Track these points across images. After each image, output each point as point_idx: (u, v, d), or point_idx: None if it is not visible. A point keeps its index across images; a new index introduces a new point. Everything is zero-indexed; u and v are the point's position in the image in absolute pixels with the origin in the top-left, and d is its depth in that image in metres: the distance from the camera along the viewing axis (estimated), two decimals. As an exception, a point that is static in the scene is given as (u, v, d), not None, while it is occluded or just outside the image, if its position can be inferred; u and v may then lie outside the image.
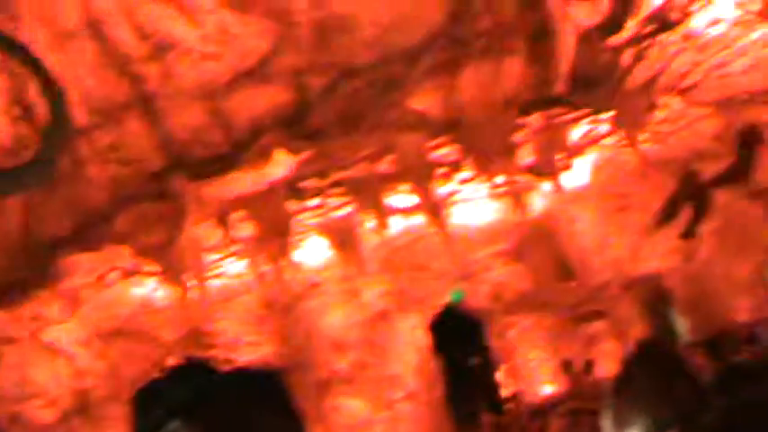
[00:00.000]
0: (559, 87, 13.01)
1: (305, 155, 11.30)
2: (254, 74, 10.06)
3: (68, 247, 12.03)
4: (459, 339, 24.60)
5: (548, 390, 20.61)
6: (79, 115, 10.51)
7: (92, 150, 10.83)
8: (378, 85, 10.71)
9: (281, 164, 11.19)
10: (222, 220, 13.87)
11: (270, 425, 24.07)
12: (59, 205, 11.39)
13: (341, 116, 10.72)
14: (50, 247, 12.20)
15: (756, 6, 13.51)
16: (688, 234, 21.14)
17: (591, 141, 18.03)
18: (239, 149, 10.68)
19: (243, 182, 11.25)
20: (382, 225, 16.11)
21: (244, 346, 20.53)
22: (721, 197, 20.61)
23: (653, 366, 9.46)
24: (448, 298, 22.20)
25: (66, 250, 12.00)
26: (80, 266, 12.71)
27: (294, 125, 10.64)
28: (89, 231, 11.62)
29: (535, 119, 15.61)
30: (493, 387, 22.65)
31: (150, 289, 17.05)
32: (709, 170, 20.39)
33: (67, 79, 9.59)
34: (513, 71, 11.94)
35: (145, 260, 13.96)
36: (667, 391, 9.33)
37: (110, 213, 11.41)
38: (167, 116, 10.08)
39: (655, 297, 22.52)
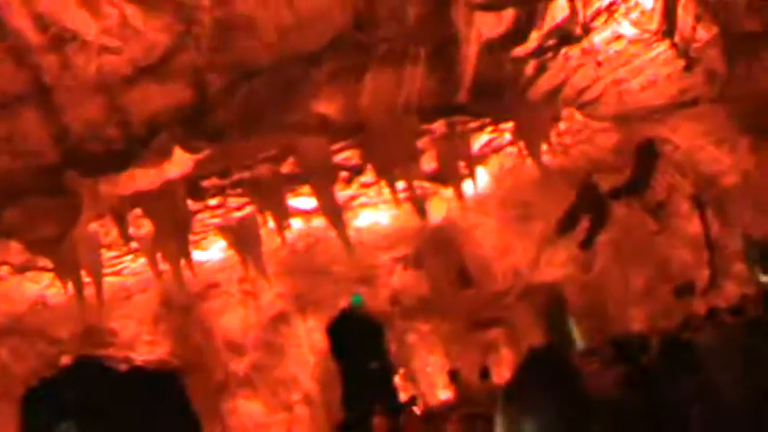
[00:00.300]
0: (462, 96, 13.10)
1: (204, 153, 11.17)
2: (155, 70, 9.92)
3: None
4: (359, 343, 24.63)
5: (443, 395, 20.70)
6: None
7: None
8: (278, 87, 10.65)
9: (180, 162, 11.06)
10: (119, 216, 13.67)
11: (166, 425, 23.81)
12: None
13: (241, 116, 10.63)
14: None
15: (654, 26, 13.82)
16: (586, 244, 21.48)
17: (493, 150, 18.23)
18: (137, 146, 10.52)
19: (140, 179, 11.09)
20: (283, 227, 16.03)
21: (141, 344, 20.27)
22: (619, 209, 21.00)
23: (544, 373, 9.60)
24: (347, 302, 22.23)
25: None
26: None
27: (193, 124, 10.52)
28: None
29: (438, 126, 15.74)
30: (390, 391, 22.66)
31: (43, 285, 16.73)
32: (608, 182, 20.75)
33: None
34: (414, 78, 11.98)
35: (37, 255, 13.67)
36: (557, 399, 9.47)
37: (-1, 206, 11.15)
38: (64, 109, 9.87)
39: (552, 305, 22.82)
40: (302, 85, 10.91)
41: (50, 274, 15.35)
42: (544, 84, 14.11)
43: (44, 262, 14.72)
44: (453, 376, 17.93)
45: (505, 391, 9.12)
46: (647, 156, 19.69)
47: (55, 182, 10.47)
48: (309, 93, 11.06)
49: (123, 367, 20.82)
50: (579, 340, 22.49)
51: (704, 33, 14.93)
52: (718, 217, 19.64)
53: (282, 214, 15.94)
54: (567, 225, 21.25)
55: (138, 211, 14.03)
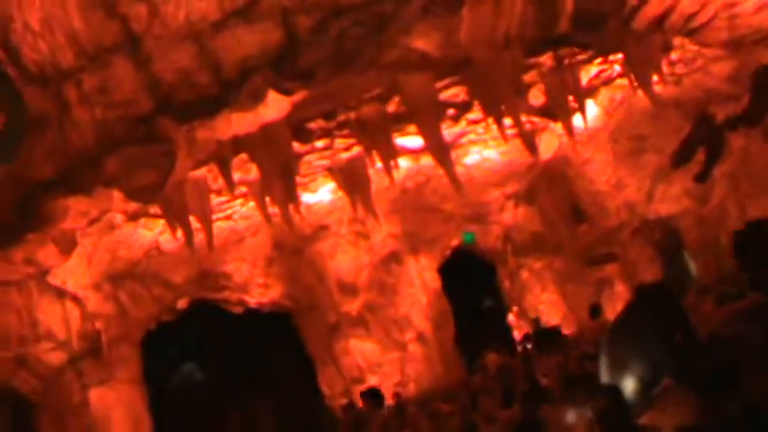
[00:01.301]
0: (563, 26, 12.75)
1: (299, 95, 11.12)
2: (243, 13, 9.86)
3: (57, 190, 11.92)
4: (472, 281, 24.55)
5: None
6: (66, 58, 10.39)
7: (79, 94, 10.68)
8: (368, 24, 10.50)
9: (276, 105, 11.03)
10: (222, 162, 13.77)
11: (282, 365, 24.17)
12: (46, 149, 11.28)
13: (333, 55, 10.52)
14: (39, 190, 12.10)
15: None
16: (702, 177, 20.93)
17: (603, 82, 17.85)
18: (229, 90, 10.52)
19: (237, 123, 11.10)
20: (391, 166, 15.98)
21: (254, 287, 20.55)
22: (736, 140, 20.34)
23: (651, 312, 9.33)
24: (459, 240, 22.14)
25: (56, 194, 11.91)
26: (70, 210, 12.61)
27: (285, 65, 10.46)
28: (77, 175, 11.50)
29: (545, 59, 15.43)
30: (504, 328, 22.56)
31: (157, 232, 17.05)
32: (725, 112, 20.11)
33: (54, 21, 9.50)
34: (513, 8, 11.68)
35: (148, 204, 13.88)
36: (664, 338, 9.20)
37: (98, 157, 11.26)
38: (155, 58, 9.91)
39: (668, 240, 22.36)
40: (395, 22, 10.73)
41: (163, 221, 15.61)
42: (650, 11, 13.62)
43: (155, 209, 14.98)
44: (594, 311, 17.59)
45: (612, 329, 8.90)
46: (764, 83, 18.99)
47: (150, 130, 10.54)
48: (402, 29, 10.86)
49: (238, 309, 21.15)
50: (695, 276, 22.01)
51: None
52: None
53: (390, 154, 15.89)
54: (682, 158, 20.71)
55: (243, 156, 14.16)
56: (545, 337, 16.83)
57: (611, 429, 5.26)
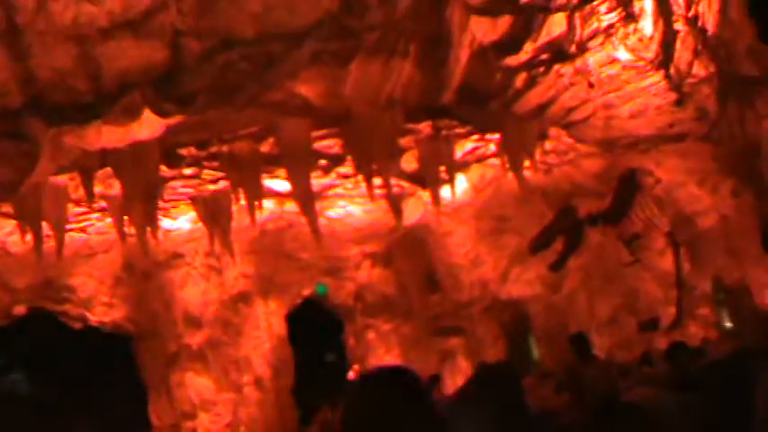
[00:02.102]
0: (447, 97, 12.95)
1: (175, 119, 10.98)
2: (133, 26, 9.68)
3: None
4: (318, 334, 24.53)
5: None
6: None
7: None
8: (258, 62, 10.46)
9: (150, 125, 10.86)
10: (86, 172, 13.49)
11: (114, 389, 23.68)
12: None
13: (216, 85, 10.43)
14: None
15: (650, 54, 13.70)
16: (557, 266, 21.39)
17: (476, 159, 18.10)
18: (104, 102, 10.30)
19: (107, 136, 10.88)
20: (255, 206, 15.89)
21: (98, 305, 20.10)
22: (594, 236, 20.89)
23: (490, 392, 9.45)
24: (311, 290, 22.10)
25: None
26: None
27: (166, 86, 10.31)
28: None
29: (423, 126, 15.61)
30: (343, 385, 22.54)
31: (6, 231, 16.53)
32: (587, 207, 20.66)
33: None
34: (401, 72, 11.80)
35: (0, 203, 13.45)
36: (497, 419, 9.31)
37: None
38: (33, 53, 9.64)
39: (515, 322, 22.73)
40: (283, 64, 10.72)
41: (13, 221, 15.14)
42: (533, 98, 13.96)
43: (7, 208, 14.54)
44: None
45: (450, 405, 9.01)
46: (628, 186, 19.61)
47: (16, 127, 10.23)
48: (290, 72, 10.86)
49: (78, 325, 20.65)
50: (537, 361, 22.41)
51: (701, 70, 14.85)
52: (692, 257, 19.59)
53: (256, 193, 15.79)
54: (540, 244, 21.15)
55: (108, 170, 13.88)
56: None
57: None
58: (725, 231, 18.41)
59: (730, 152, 16.56)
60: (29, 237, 14.63)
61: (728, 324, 19.26)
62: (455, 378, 19.72)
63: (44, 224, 14.63)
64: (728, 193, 17.73)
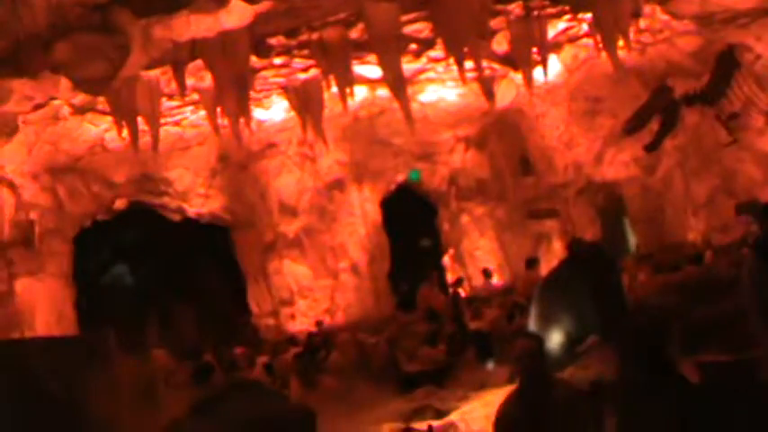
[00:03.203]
0: (538, -24, 12.69)
1: (262, 6, 10.91)
2: None
3: (2, 70, 11.53)
4: (413, 219, 24.59)
5: (492, 280, 20.66)
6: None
7: (34, -28, 10.29)
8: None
9: (238, 12, 10.82)
10: (177, 64, 13.57)
11: (213, 277, 24.15)
12: (-4, 25, 10.89)
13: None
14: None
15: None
16: (652, 147, 21.05)
17: (569, 39, 17.80)
18: (193, -10, 10.29)
19: (195, 25, 10.88)
20: (347, 93, 15.88)
21: (195, 196, 20.43)
22: (691, 116, 20.45)
23: (587, 271, 9.40)
24: (405, 176, 22.13)
25: (1, 74, 11.53)
26: (14, 93, 12.29)
27: (253, -29, 10.24)
28: (25, 57, 11.12)
29: (514, 7, 15.35)
30: (439, 270, 22.67)
31: (103, 128, 16.81)
32: (683, 87, 20.20)
33: None
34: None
35: (96, 96, 13.59)
36: (595, 297, 9.28)
37: (49, 41, 10.89)
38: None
39: (611, 204, 22.53)
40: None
41: (110, 118, 15.36)
42: (627, -26, 13.59)
43: (103, 104, 14.74)
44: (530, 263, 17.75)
45: (544, 283, 9.00)
46: (726, 63, 19.05)
47: (106, 20, 10.24)
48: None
49: (176, 217, 21.03)
50: (633, 242, 22.25)
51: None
52: (792, 135, 19.11)
53: (347, 80, 15.78)
54: (635, 125, 20.79)
55: (199, 62, 13.95)
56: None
57: (528, 375, 5.29)
58: (828, 106, 17.89)
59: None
60: (125, 132, 14.87)
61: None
62: (550, 260, 19.69)
63: (139, 119, 14.85)
64: (833, 67, 17.17)
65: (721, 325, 8.37)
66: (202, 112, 16.77)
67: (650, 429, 4.42)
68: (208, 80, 14.60)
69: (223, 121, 15.90)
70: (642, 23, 16.99)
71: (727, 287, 9.06)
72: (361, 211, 21.03)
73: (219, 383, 9.93)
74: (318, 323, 19.00)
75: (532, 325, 8.97)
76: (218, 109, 15.56)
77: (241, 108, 14.98)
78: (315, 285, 20.42)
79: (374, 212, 21.34)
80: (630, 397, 4.55)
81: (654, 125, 20.84)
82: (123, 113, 14.31)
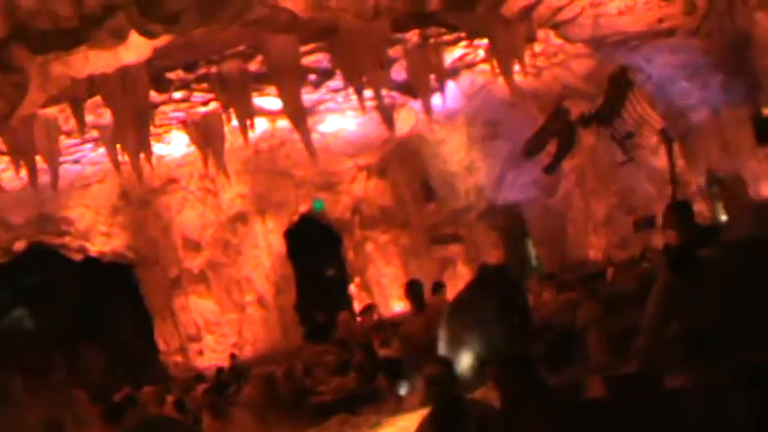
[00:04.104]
0: (434, 4, 12.82)
1: (161, 40, 10.87)
2: (112, -54, 9.55)
3: None
4: (317, 249, 24.62)
5: (397, 306, 20.73)
6: None
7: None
8: (241, -24, 10.37)
9: (137, 47, 10.76)
10: (75, 101, 13.42)
11: (118, 318, 23.83)
12: None
13: (199, 3, 10.29)
14: None
15: (636, -50, 13.54)
16: (551, 169, 21.42)
17: (466, 66, 18.03)
18: (89, 25, 10.16)
19: (94, 61, 10.78)
20: (247, 125, 15.86)
21: (96, 235, 20.16)
22: (587, 137, 20.89)
23: (494, 292, 9.51)
24: (308, 206, 22.13)
25: None
26: None
27: (150, 6, 10.16)
28: None
29: (411, 35, 15.51)
30: (345, 299, 22.70)
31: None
32: (579, 109, 20.62)
33: None
34: (386, -19, 11.68)
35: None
36: (503, 318, 9.39)
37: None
38: (14, -20, 9.52)
39: (512, 227, 22.85)
40: (265, -23, 10.60)
41: (6, 158, 15.08)
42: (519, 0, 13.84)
43: (0, 145, 14.48)
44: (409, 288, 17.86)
45: (452, 306, 9.06)
46: (619, 85, 19.52)
47: (2, 58, 10.10)
48: (273, -15, 10.74)
49: (78, 256, 20.73)
50: (536, 263, 22.59)
51: (689, -37, 14.70)
52: (685, 152, 19.57)
53: (247, 112, 15.75)
54: (533, 148, 21.15)
55: (98, 99, 13.80)
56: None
57: (440, 398, 5.35)
58: (717, 125, 18.37)
59: (720, 45, 16.43)
60: (23, 172, 14.61)
61: (724, 217, 19.32)
62: (456, 285, 19.86)
63: (37, 158, 14.61)
64: (719, 87, 17.65)
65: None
66: (102, 149, 16.54)
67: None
68: (107, 116, 14.42)
69: (123, 158, 15.72)
70: (537, 47, 17.30)
71: (631, 301, 9.29)
72: (266, 243, 20.97)
73: (132, 422, 9.78)
74: (232, 356, 18.88)
75: (442, 349, 9.02)
76: (118, 145, 15.37)
77: (141, 144, 14.81)
78: (222, 320, 20.29)
79: (278, 244, 21.30)
80: (510, 414, 4.69)
81: (551, 147, 21.22)
82: (21, 152, 14.04)
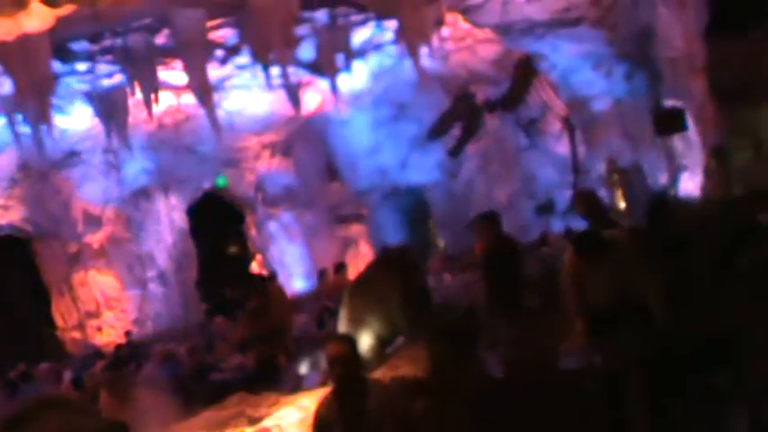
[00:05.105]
0: (344, -17, 12.86)
1: (64, 10, 10.68)
2: None
3: None
4: (220, 226, 24.44)
5: (299, 284, 20.71)
6: None
7: None
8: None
9: (39, 15, 10.55)
10: (-24, 70, 13.15)
11: (14, 292, 23.35)
12: None
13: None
14: None
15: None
16: (455, 152, 21.61)
17: (374, 47, 18.06)
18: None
19: (-5, 28, 10.57)
20: (152, 100, 15.69)
21: (-6, 207, 19.69)
22: (492, 122, 21.12)
23: (395, 273, 9.55)
24: (211, 183, 21.91)
25: None
26: None
27: (53, -26, 10.00)
28: None
29: (320, 15, 15.50)
30: (248, 276, 22.56)
31: None
32: (484, 94, 20.83)
33: None
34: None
35: None
36: (403, 299, 9.43)
37: None
38: None
39: (416, 208, 22.99)
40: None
41: None
42: (430, -18, 13.94)
43: None
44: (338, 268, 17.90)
45: (353, 286, 9.11)
46: (524, 71, 19.78)
47: None
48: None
49: (-27, 228, 20.24)
50: (440, 245, 22.77)
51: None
52: (587, 140, 19.92)
53: (152, 86, 15.58)
54: (438, 131, 21.32)
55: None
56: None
57: (342, 377, 5.37)
58: (619, 114, 18.73)
59: (624, 37, 16.76)
60: None
61: (622, 204, 19.71)
62: (358, 264, 19.93)
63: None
64: (622, 77, 17.99)
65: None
66: (2, 120, 16.19)
67: (457, 422, 4.61)
68: (8, 86, 14.13)
69: (24, 129, 15.42)
70: (445, 31, 17.41)
71: (533, 284, 9.46)
72: (168, 219, 20.73)
73: (27, 400, 9.61)
74: (127, 333, 18.60)
75: (342, 328, 9.07)
76: (19, 116, 15.08)
77: (42, 115, 14.57)
78: (122, 296, 19.99)
79: (181, 220, 21.06)
80: (441, 393, 4.73)
81: (456, 131, 21.41)
82: None
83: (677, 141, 16.91)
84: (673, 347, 5.46)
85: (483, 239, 8.90)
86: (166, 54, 15.18)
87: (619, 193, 19.81)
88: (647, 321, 5.95)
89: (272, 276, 19.45)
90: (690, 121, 15.90)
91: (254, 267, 22.44)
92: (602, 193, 19.84)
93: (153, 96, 15.61)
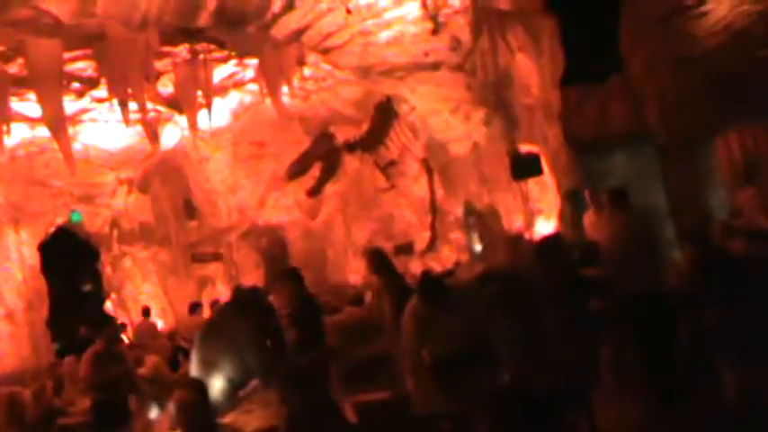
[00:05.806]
0: (204, 19, 12.72)
1: None
2: None
3: None
4: (73, 263, 23.85)
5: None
6: None
7: None
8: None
9: None
10: None
11: None
12: None
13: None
14: None
15: (408, -19, 13.89)
16: (314, 192, 21.64)
17: (234, 84, 17.95)
18: None
19: None
20: (3, 131, 15.19)
21: None
22: (351, 162, 21.24)
23: (248, 315, 9.39)
24: (65, 218, 21.38)
25: None
26: None
27: None
28: None
29: (180, 50, 15.30)
30: (102, 315, 22.02)
31: None
32: (344, 134, 20.94)
33: None
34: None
35: None
36: (256, 342, 9.31)
37: None
38: None
39: (274, 247, 22.87)
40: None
41: None
42: (290, 22, 13.92)
43: None
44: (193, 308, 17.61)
45: (204, 327, 8.94)
46: (384, 113, 19.97)
47: None
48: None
49: None
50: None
51: (456, 1, 15.14)
52: (445, 183, 20.17)
53: (4, 117, 15.09)
54: (298, 170, 21.32)
55: None
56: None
57: (191, 423, 5.24)
58: (476, 158, 19.01)
59: (482, 82, 17.04)
60: None
61: (478, 247, 19.96)
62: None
63: None
64: (480, 122, 18.28)
65: (380, 364, 8.71)
66: None
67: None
68: None
69: None
70: (306, 71, 17.43)
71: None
72: (18, 256, 20.09)
73: None
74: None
75: (194, 371, 8.88)
76: None
77: None
78: (-33, 335, 19.29)
79: (32, 256, 20.44)
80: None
81: (316, 170, 21.44)
82: None
83: (533, 186, 17.21)
84: (524, 392, 5.52)
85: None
86: (20, 84, 14.71)
87: (475, 236, 20.07)
88: (497, 366, 6.00)
89: (146, 312, 19.14)
90: (545, 166, 16.20)
91: (109, 306, 21.96)
92: (459, 235, 20.15)
93: (5, 128, 15.09)
